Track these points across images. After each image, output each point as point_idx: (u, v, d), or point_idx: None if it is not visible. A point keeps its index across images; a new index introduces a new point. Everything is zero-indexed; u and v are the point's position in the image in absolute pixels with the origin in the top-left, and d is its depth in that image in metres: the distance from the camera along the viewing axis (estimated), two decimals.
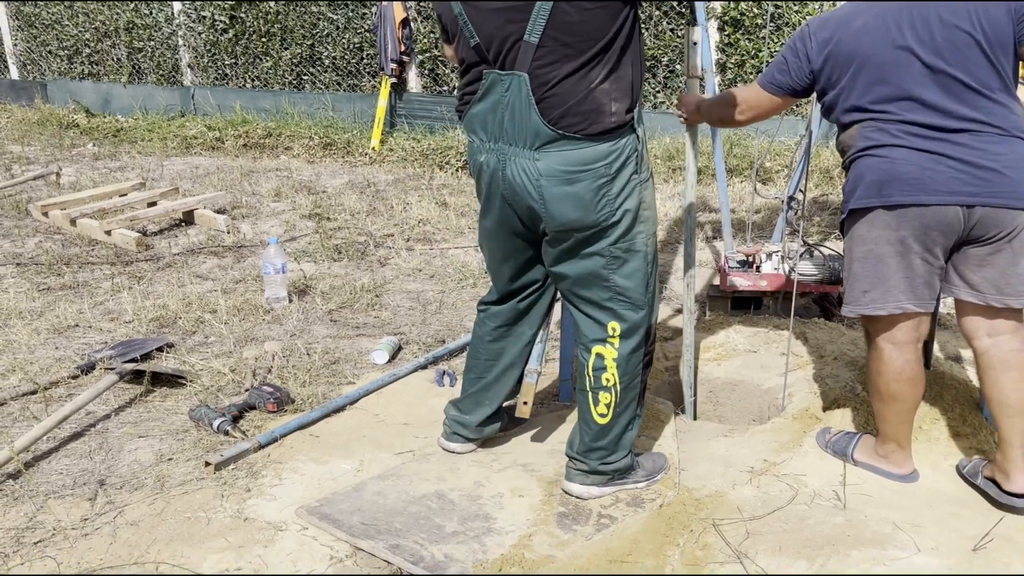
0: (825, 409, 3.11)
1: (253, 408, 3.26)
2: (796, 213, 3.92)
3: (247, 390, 3.38)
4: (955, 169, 2.34)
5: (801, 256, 3.87)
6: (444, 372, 3.53)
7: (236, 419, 3.15)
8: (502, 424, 2.95)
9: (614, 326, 2.48)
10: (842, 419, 3.01)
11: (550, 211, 2.32)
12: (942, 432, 2.92)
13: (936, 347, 3.45)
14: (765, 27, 7.37)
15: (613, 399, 2.53)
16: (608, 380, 2.51)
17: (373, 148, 8.33)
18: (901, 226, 2.42)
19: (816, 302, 4.16)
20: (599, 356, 2.51)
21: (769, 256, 3.92)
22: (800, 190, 3.78)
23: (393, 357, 3.78)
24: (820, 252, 3.93)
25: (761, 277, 3.89)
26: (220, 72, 10.02)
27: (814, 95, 2.67)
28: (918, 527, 2.42)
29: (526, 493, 2.65)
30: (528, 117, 2.25)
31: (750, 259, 4.01)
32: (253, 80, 9.82)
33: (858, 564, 2.25)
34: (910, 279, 2.47)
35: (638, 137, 2.36)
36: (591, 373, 2.53)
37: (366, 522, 2.47)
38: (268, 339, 3.98)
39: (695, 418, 3.26)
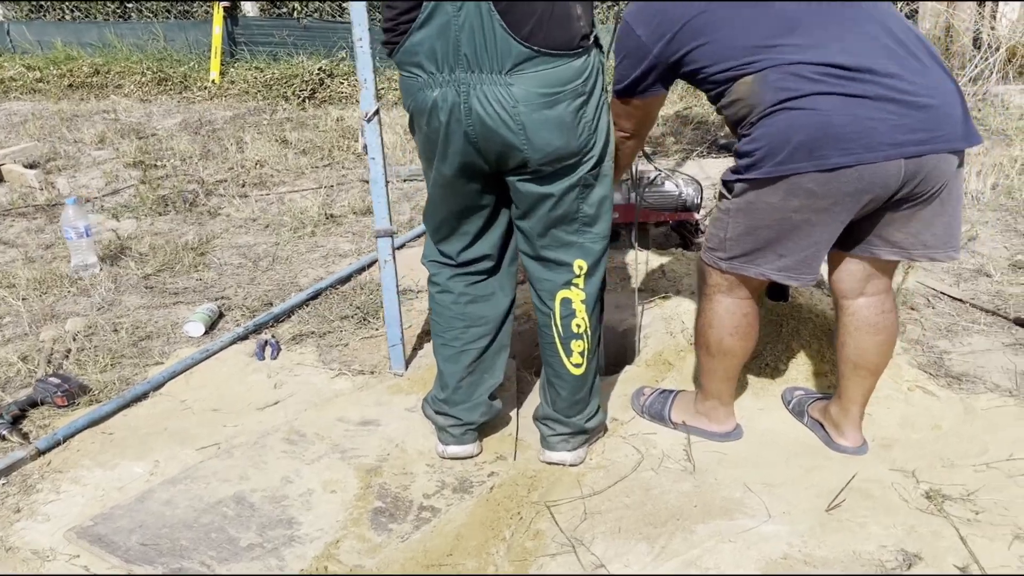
0: (680, 351, 2.88)
1: (40, 404, 2.83)
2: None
3: (37, 382, 2.94)
4: (895, 114, 1.89)
5: (652, 182, 3.59)
6: (266, 342, 3.15)
7: (17, 420, 2.73)
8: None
9: (580, 264, 2.25)
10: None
11: (532, 141, 2.02)
12: (800, 371, 2.74)
13: None
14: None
15: (585, 345, 2.33)
16: (579, 326, 2.30)
17: (212, 81, 7.69)
18: (830, 193, 1.96)
19: (675, 230, 3.91)
20: (565, 302, 2.28)
21: (619, 184, 3.63)
22: None
23: (212, 327, 3.37)
24: (673, 178, 3.66)
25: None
26: (34, 3, 9.05)
27: None
28: (771, 487, 2.22)
29: (339, 487, 2.32)
30: (494, 35, 1.92)
31: None
32: (73, 11, 8.93)
33: (703, 541, 2.02)
34: (827, 247, 2.12)
35: (601, 51, 2.13)
36: (559, 323, 2.31)
37: (146, 542, 2.11)
38: (72, 315, 3.51)
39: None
